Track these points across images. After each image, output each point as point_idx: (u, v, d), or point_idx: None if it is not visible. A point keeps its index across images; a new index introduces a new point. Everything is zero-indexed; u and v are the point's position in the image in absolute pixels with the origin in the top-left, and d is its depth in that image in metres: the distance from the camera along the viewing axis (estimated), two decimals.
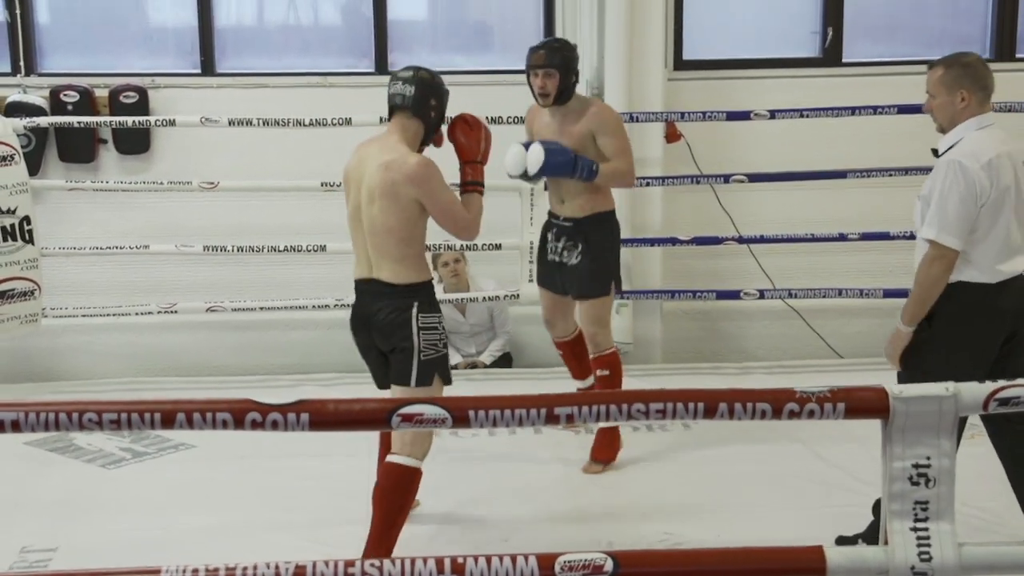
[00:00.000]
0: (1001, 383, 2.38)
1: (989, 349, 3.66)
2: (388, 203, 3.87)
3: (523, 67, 7.11)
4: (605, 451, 4.92)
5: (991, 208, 3.63)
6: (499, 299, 6.46)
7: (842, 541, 3.84)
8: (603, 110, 4.83)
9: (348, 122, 6.08)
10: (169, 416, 2.31)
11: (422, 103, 3.94)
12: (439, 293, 6.32)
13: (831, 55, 6.91)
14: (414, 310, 3.92)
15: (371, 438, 5.02)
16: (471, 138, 4.07)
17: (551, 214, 4.98)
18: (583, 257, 4.83)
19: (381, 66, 6.76)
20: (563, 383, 5.02)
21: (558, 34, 6.75)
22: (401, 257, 3.93)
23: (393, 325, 3.93)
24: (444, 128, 4.11)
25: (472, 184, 4.03)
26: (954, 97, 3.74)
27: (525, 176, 4.77)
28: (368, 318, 4.00)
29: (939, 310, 3.66)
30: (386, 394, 4.05)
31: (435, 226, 6.62)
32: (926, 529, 2.36)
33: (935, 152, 3.77)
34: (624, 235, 6.49)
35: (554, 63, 4.71)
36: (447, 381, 4.01)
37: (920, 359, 3.68)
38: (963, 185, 3.59)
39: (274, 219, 6.66)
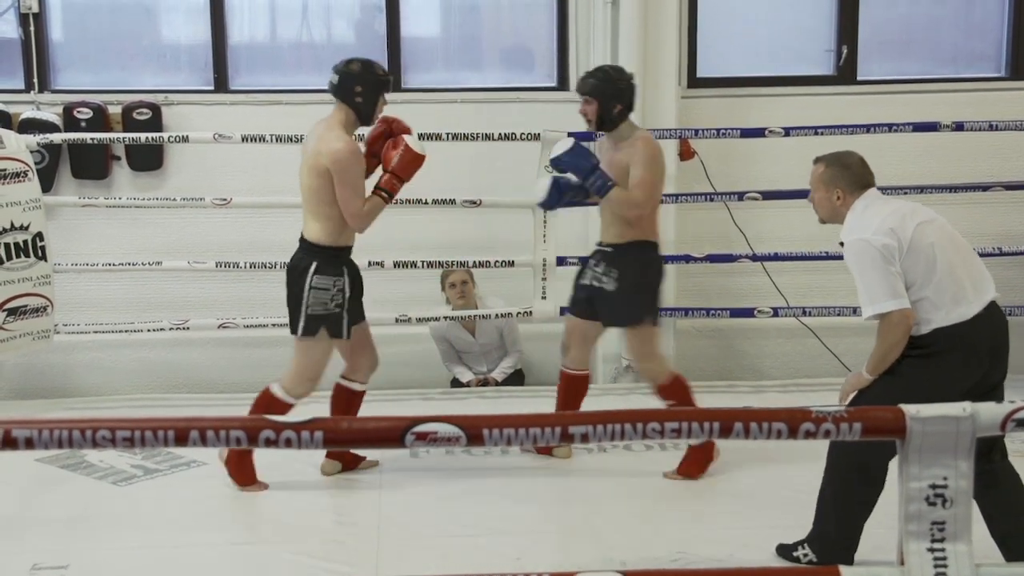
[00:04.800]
0: (1020, 403, 2.37)
1: (955, 387, 3.63)
2: (312, 166, 4.55)
3: (536, 85, 7.14)
4: (692, 467, 4.95)
5: (914, 256, 3.69)
6: (509, 317, 6.45)
7: (782, 549, 4.00)
8: (641, 143, 4.81)
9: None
10: (183, 434, 2.32)
11: (346, 90, 4.56)
12: (444, 312, 6.36)
13: (846, 73, 6.92)
14: (311, 268, 4.58)
15: (383, 456, 5.04)
16: (390, 154, 4.64)
17: (599, 240, 5.03)
18: (616, 283, 4.87)
19: (395, 84, 6.76)
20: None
21: (571, 52, 6.79)
22: (318, 215, 4.59)
23: (291, 274, 4.65)
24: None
25: (380, 189, 4.62)
26: (831, 194, 3.91)
27: (558, 172, 4.85)
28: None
29: (910, 362, 3.75)
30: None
31: (445, 242, 6.66)
32: (943, 550, 2.35)
33: (841, 244, 3.88)
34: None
35: (585, 90, 4.82)
36: (336, 335, 4.62)
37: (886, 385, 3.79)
38: (872, 253, 3.68)
39: (287, 236, 6.60)
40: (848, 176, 3.90)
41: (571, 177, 4.85)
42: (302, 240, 4.68)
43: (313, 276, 4.59)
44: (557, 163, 4.79)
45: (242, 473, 4.83)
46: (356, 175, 4.53)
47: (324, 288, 4.60)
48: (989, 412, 2.33)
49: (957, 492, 2.35)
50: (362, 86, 4.56)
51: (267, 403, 4.67)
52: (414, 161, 4.66)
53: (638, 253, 4.87)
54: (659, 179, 4.79)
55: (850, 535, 3.85)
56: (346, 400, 4.95)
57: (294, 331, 4.68)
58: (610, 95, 4.78)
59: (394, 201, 6.14)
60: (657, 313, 4.92)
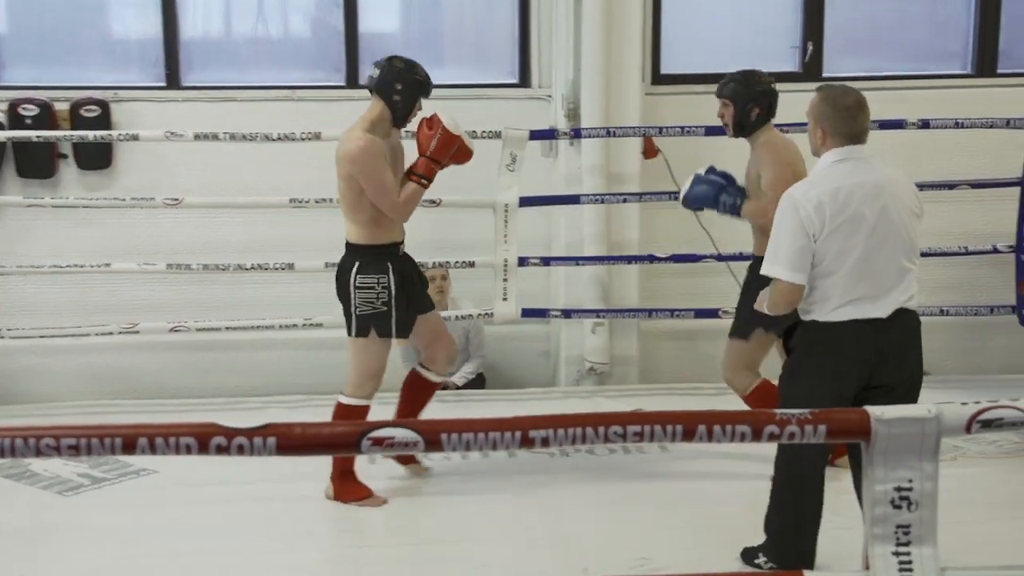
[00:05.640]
0: (985, 404, 2.39)
1: (844, 388, 3.63)
2: (338, 170, 4.58)
3: (498, 81, 7.14)
4: None
5: (832, 241, 3.59)
6: (473, 319, 6.45)
7: (747, 552, 4.04)
8: (764, 143, 4.78)
9: (317, 137, 6.08)
10: (130, 441, 2.30)
11: (385, 85, 4.54)
12: None
13: (811, 70, 6.96)
14: (354, 269, 4.63)
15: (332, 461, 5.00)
16: (425, 135, 4.60)
17: None
18: (741, 295, 4.92)
19: (352, 80, 6.76)
20: (537, 405, 5.01)
21: (533, 48, 6.79)
22: (351, 217, 4.66)
23: (338, 278, 4.72)
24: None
25: (413, 174, 4.58)
26: (815, 131, 3.76)
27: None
28: None
29: (799, 345, 3.73)
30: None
31: (425, 238, 6.66)
32: (908, 554, 2.37)
33: None
34: (600, 252, 6.55)
35: (724, 93, 4.84)
36: (384, 335, 4.65)
37: (785, 389, 3.80)
38: (793, 216, 3.61)
39: (241, 237, 6.65)
40: (835, 119, 3.71)
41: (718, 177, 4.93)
42: (346, 242, 4.72)
43: (356, 276, 4.64)
44: (685, 205, 4.95)
45: (352, 491, 4.78)
46: (377, 169, 4.50)
47: (368, 287, 4.63)
48: (954, 413, 2.35)
49: (922, 495, 2.36)
50: (402, 84, 4.55)
51: (342, 415, 4.70)
52: (449, 142, 4.60)
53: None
54: (789, 177, 4.48)
55: (799, 543, 3.84)
56: (418, 388, 5.01)
57: (349, 333, 4.74)
58: (748, 98, 4.77)
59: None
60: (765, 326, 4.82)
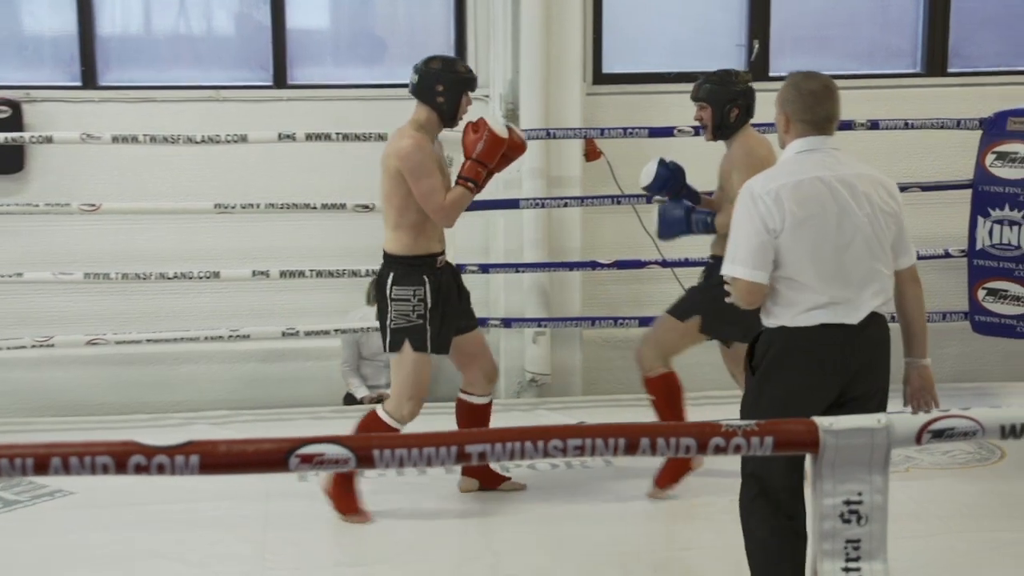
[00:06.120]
0: (935, 413, 2.42)
1: (816, 401, 3.46)
2: (384, 170, 4.65)
3: None
4: (665, 477, 4.96)
5: (795, 238, 3.46)
6: None
7: None
8: (742, 142, 4.83)
9: (243, 139, 6.05)
10: (42, 461, 2.26)
11: (426, 90, 4.63)
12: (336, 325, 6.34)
13: (757, 69, 7.02)
14: (389, 280, 4.68)
15: (267, 480, 4.97)
16: (471, 139, 4.65)
17: None
18: (694, 288, 5.04)
19: (279, 79, 6.73)
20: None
21: (470, 46, 6.79)
22: (392, 224, 4.71)
23: (376, 290, 4.82)
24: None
25: (462, 178, 4.62)
26: (780, 116, 3.64)
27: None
28: None
29: (766, 354, 3.54)
30: None
31: (336, 249, 6.61)
32: (858, 569, 2.39)
33: None
34: (541, 259, 6.56)
35: (700, 96, 4.86)
36: (419, 349, 4.66)
37: (750, 405, 3.58)
38: (751, 209, 3.49)
39: (162, 244, 6.59)
40: (799, 103, 3.59)
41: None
42: (383, 252, 4.76)
43: (392, 288, 4.68)
44: (664, 238, 5.05)
45: (344, 500, 4.76)
46: (426, 169, 4.57)
47: (404, 299, 4.67)
48: (904, 423, 2.38)
49: (872, 508, 2.39)
50: (443, 85, 4.62)
51: (368, 425, 4.72)
52: (496, 144, 4.62)
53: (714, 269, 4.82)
54: None
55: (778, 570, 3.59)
56: (467, 414, 5.00)
57: (384, 348, 4.79)
58: (726, 99, 4.80)
59: (281, 206, 6.18)
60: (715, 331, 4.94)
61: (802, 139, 3.58)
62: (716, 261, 4.79)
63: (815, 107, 3.56)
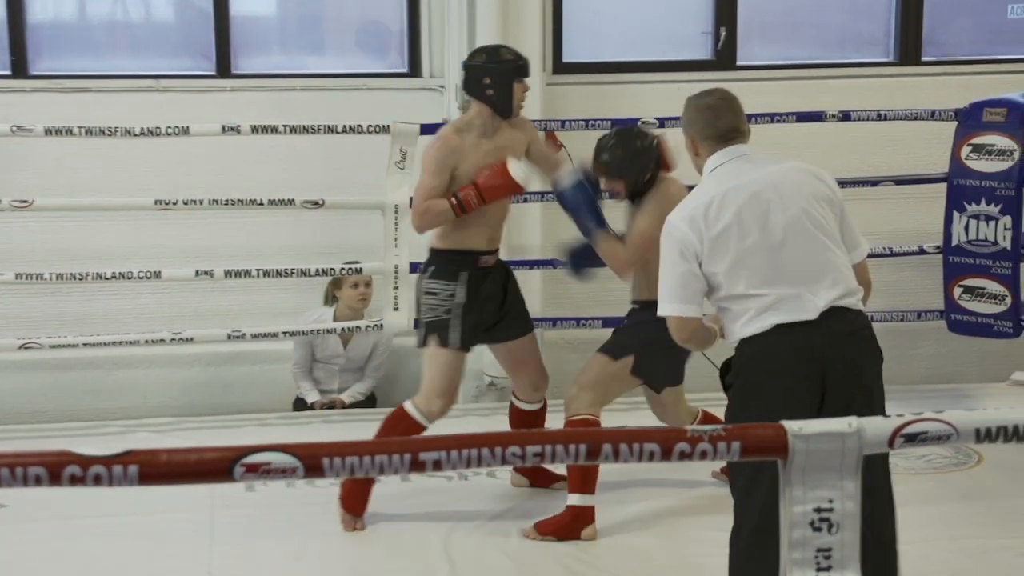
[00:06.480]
0: (908, 417, 2.44)
1: (797, 409, 3.27)
2: None
3: (385, 71, 7.11)
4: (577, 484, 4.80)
5: (719, 255, 3.45)
6: (383, 333, 6.39)
7: None
8: (657, 191, 4.73)
9: (185, 131, 6.01)
10: None
11: (474, 84, 4.72)
12: (288, 327, 6.32)
13: (724, 57, 7.07)
14: (426, 274, 4.81)
15: (213, 490, 4.94)
16: (492, 171, 4.66)
17: None
18: (622, 328, 5.00)
19: (223, 69, 6.70)
20: (431, 424, 5.00)
21: (423, 33, 6.79)
22: None
23: (416, 287, 4.92)
24: None
25: (455, 196, 4.66)
26: (687, 144, 3.68)
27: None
28: None
29: (736, 373, 3.51)
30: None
31: (284, 247, 6.60)
32: None
33: None
34: (500, 256, 6.56)
35: (607, 172, 4.74)
36: (444, 344, 4.73)
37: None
38: (670, 241, 3.51)
39: (99, 242, 6.54)
40: (699, 121, 3.61)
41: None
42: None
43: (426, 280, 4.81)
44: (560, 198, 4.87)
45: (353, 497, 4.79)
46: (430, 166, 4.69)
47: (434, 292, 4.78)
48: (876, 427, 2.39)
49: (844, 515, 2.40)
50: (490, 77, 4.69)
51: (396, 421, 4.77)
52: (503, 186, 4.68)
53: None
54: (659, 233, 4.56)
55: None
56: (517, 419, 5.11)
57: (419, 343, 4.89)
58: (637, 170, 4.70)
59: (226, 201, 6.14)
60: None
61: (713, 155, 3.60)
62: (640, 306, 4.81)
63: (715, 121, 3.60)
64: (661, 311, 3.54)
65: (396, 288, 6.19)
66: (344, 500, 4.81)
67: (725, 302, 3.50)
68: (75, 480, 2.27)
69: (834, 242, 3.53)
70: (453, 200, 4.66)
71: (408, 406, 4.80)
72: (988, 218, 6.32)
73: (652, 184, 4.74)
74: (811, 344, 3.43)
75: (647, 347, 4.69)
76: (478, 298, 4.79)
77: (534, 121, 6.39)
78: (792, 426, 2.39)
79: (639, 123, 6.32)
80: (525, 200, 6.40)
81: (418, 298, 4.86)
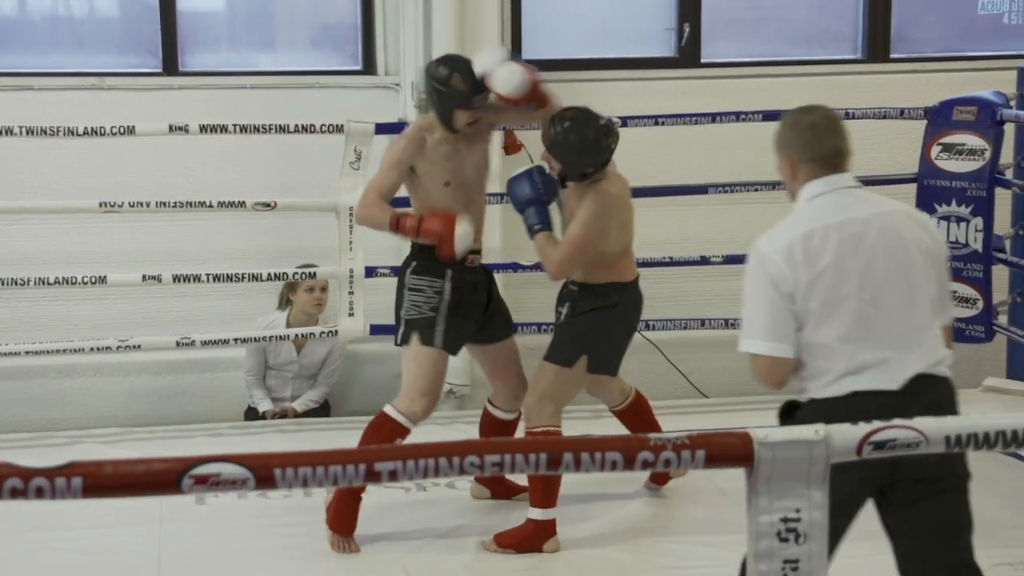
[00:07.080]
0: (876, 424, 2.45)
1: (857, 485, 3.15)
2: None
3: (338, 68, 7.08)
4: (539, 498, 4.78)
5: (813, 297, 3.22)
6: (337, 339, 6.38)
7: None
8: (593, 191, 4.72)
9: (131, 131, 5.98)
10: None
11: (426, 92, 4.82)
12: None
13: (688, 55, 7.09)
14: (409, 269, 4.76)
15: (161, 503, 4.92)
16: (438, 216, 4.63)
17: None
18: (561, 327, 4.95)
19: (170, 66, 6.68)
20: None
21: (378, 30, 6.78)
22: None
23: (398, 281, 4.86)
24: None
25: (396, 213, 4.63)
26: (783, 165, 3.44)
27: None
28: None
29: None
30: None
31: (235, 251, 6.57)
32: None
33: None
34: None
35: (551, 150, 4.73)
36: (428, 343, 4.70)
37: None
38: (760, 272, 3.26)
39: (42, 246, 6.50)
40: (799, 142, 3.39)
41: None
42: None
43: (409, 276, 4.78)
44: (510, 191, 4.84)
45: (340, 516, 4.73)
46: (387, 163, 4.71)
47: (418, 289, 4.75)
48: (843, 434, 2.40)
49: (811, 525, 2.41)
50: (438, 96, 4.66)
51: (378, 427, 4.73)
52: (440, 237, 4.59)
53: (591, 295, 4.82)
54: (595, 239, 4.67)
55: None
56: (490, 427, 5.08)
57: (395, 341, 4.86)
58: (584, 164, 4.68)
59: (174, 204, 6.10)
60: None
61: (813, 182, 3.35)
62: (579, 288, 4.83)
63: (818, 141, 3.37)
64: (749, 347, 3.27)
65: (351, 293, 6.18)
66: (331, 521, 4.75)
67: (804, 351, 3.27)
68: (16, 493, 2.26)
69: (933, 304, 3.32)
70: (395, 218, 4.62)
71: (389, 410, 4.75)
72: (959, 220, 6.36)
73: (592, 178, 4.72)
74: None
75: (594, 341, 4.75)
76: (464, 298, 4.78)
77: None
78: (757, 433, 2.40)
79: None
80: (487, 202, 6.40)
81: (400, 294, 4.81)
